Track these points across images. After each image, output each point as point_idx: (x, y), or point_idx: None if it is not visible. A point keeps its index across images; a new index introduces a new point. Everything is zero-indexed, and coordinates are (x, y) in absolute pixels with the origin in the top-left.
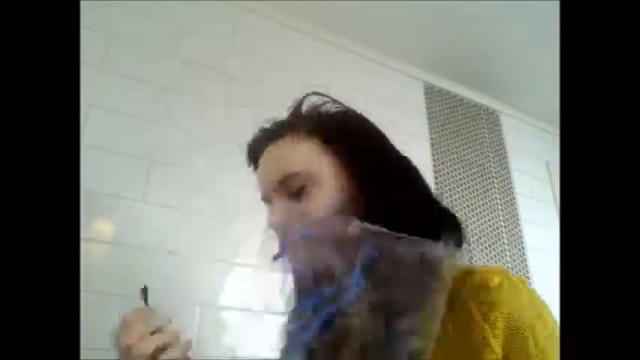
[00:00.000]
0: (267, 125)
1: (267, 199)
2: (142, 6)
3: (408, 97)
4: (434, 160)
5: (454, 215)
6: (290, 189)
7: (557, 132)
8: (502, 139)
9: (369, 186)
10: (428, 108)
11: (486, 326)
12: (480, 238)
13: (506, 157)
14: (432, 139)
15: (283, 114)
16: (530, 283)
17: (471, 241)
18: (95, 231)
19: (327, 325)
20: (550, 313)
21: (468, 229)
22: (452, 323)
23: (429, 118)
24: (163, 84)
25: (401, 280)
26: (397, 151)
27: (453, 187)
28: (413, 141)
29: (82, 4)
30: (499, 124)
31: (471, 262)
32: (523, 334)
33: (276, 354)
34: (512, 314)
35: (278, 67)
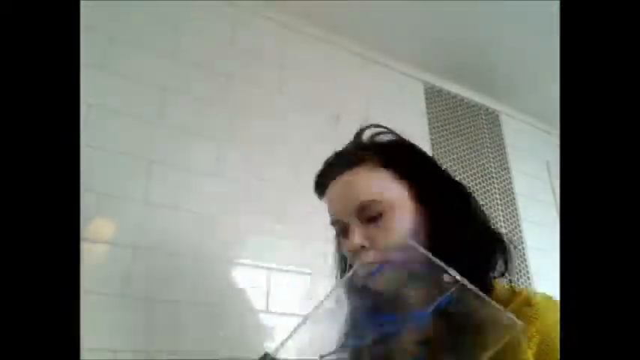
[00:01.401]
0: (335, 157)
1: (341, 224)
2: (142, 6)
3: (408, 97)
4: None
5: (503, 240)
6: (368, 215)
7: (557, 132)
8: (502, 139)
9: (436, 212)
10: (428, 108)
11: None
12: None
13: (506, 157)
14: (432, 139)
15: (283, 114)
16: (530, 284)
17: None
18: (95, 231)
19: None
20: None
21: None
22: None
23: (429, 118)
24: (163, 84)
25: (464, 333)
26: (453, 178)
27: None
28: (413, 141)
29: (82, 4)
30: (499, 124)
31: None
32: (554, 350)
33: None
34: (548, 330)
35: (278, 67)
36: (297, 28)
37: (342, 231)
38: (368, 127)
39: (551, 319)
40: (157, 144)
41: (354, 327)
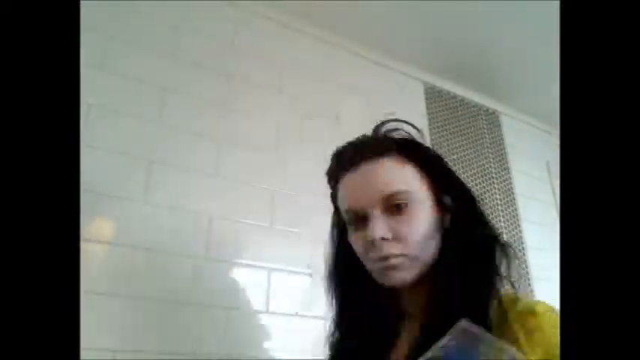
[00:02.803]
0: (354, 146)
1: (359, 214)
2: (142, 6)
3: (408, 97)
4: None
5: (504, 242)
6: (394, 204)
7: (557, 132)
8: (502, 139)
9: (453, 212)
10: (428, 108)
11: (528, 348)
12: None
13: (506, 158)
14: (432, 139)
15: (283, 115)
16: (529, 284)
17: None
18: (95, 231)
19: None
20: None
21: None
22: None
23: (429, 119)
24: (163, 84)
25: None
26: (461, 180)
27: None
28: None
29: (82, 4)
30: (499, 124)
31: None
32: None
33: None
34: (553, 341)
35: (278, 67)
36: (297, 28)
37: (357, 222)
38: (388, 121)
39: (557, 337)
40: (157, 144)
41: None
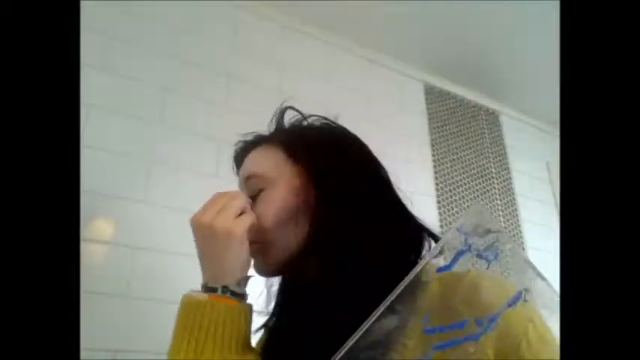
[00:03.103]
0: (249, 136)
1: None
2: (142, 6)
3: (408, 97)
4: (434, 161)
5: (431, 232)
6: (250, 191)
7: (557, 132)
8: (502, 139)
9: (323, 195)
10: (428, 108)
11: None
12: None
13: (506, 158)
14: (432, 139)
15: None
16: None
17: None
18: (95, 231)
19: None
20: (541, 317)
21: None
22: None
23: (429, 119)
24: (163, 84)
25: None
26: (369, 168)
27: (453, 188)
28: (413, 141)
29: (82, 4)
30: (499, 124)
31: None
32: (516, 337)
33: None
34: (505, 317)
35: (278, 67)
36: (297, 28)
37: None
38: (285, 108)
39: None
40: (157, 144)
41: None
